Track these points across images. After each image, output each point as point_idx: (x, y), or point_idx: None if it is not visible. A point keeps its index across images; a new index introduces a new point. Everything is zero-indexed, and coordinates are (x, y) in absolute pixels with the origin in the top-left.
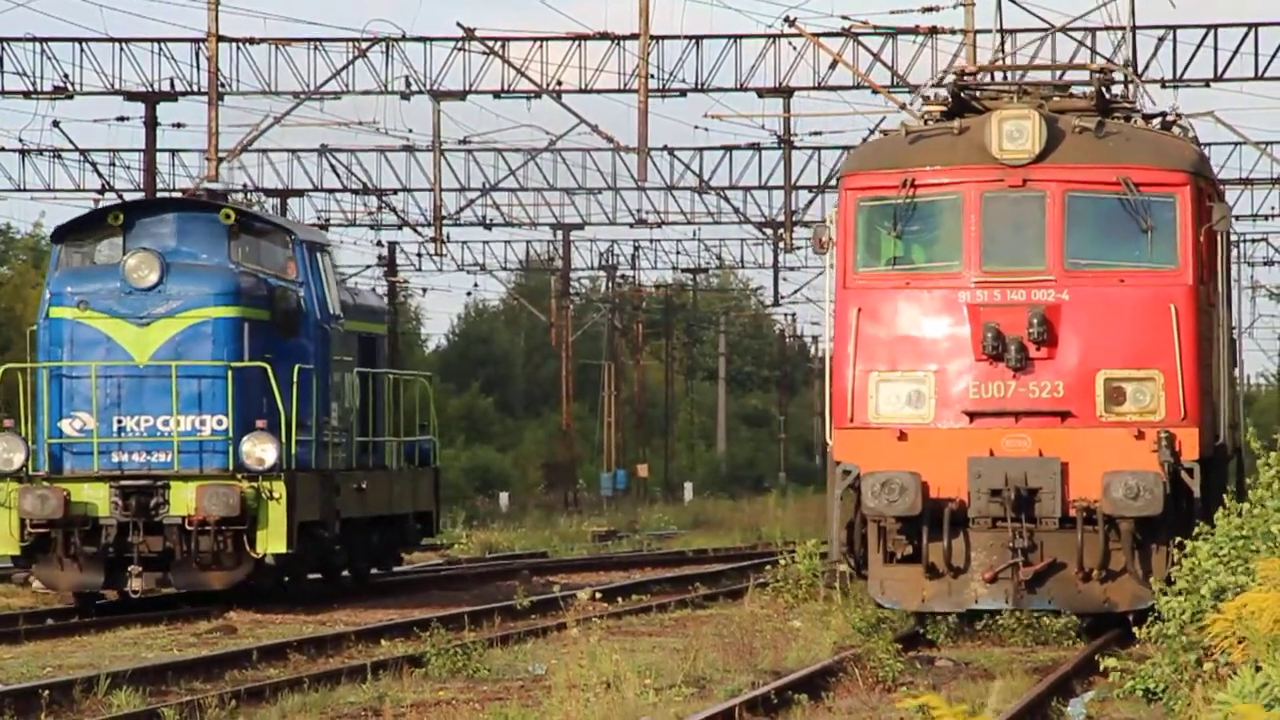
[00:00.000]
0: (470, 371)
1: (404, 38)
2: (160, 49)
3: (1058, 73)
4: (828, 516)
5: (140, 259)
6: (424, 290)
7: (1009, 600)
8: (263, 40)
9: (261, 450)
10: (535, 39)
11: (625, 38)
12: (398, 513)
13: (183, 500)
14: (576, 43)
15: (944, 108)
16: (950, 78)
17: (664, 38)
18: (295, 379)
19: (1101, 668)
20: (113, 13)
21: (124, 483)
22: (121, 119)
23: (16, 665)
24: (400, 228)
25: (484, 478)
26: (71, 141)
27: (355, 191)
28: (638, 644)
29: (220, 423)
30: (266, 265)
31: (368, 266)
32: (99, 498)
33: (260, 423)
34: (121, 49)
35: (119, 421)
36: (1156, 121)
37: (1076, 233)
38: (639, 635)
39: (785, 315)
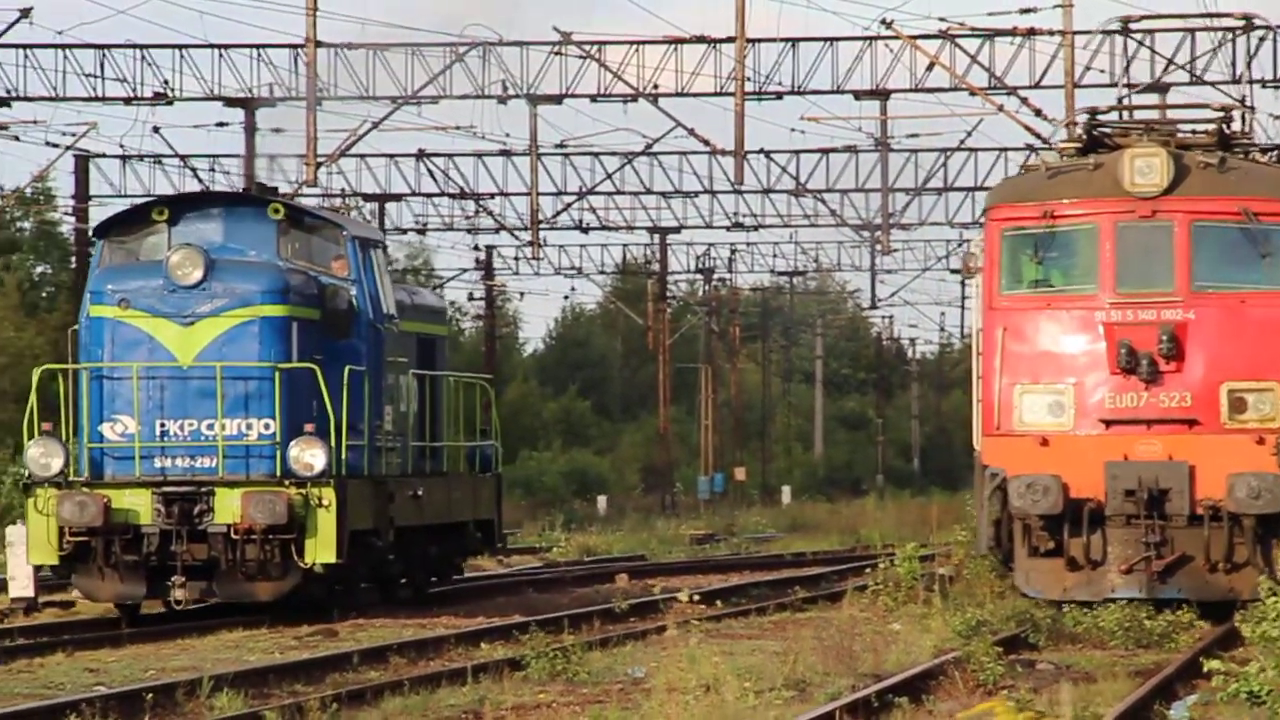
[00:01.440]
0: (567, 375)
1: (501, 42)
2: (259, 55)
3: (1179, 111)
4: (977, 515)
5: (184, 255)
6: (521, 294)
7: (1142, 590)
8: (361, 45)
9: (310, 455)
10: (632, 42)
11: (722, 41)
12: (457, 521)
13: (228, 507)
14: (673, 46)
15: (1079, 145)
16: (1084, 118)
17: (760, 40)
18: (346, 381)
19: (1205, 669)
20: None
21: (167, 489)
22: (221, 124)
23: (120, 668)
24: (497, 231)
25: (582, 481)
26: (171, 147)
27: (452, 196)
28: (737, 647)
29: (267, 426)
30: (317, 262)
31: (464, 270)
32: (141, 505)
33: (309, 426)
34: (221, 55)
35: (162, 425)
36: (1273, 154)
37: (1201, 258)
38: (738, 638)
39: (882, 318)
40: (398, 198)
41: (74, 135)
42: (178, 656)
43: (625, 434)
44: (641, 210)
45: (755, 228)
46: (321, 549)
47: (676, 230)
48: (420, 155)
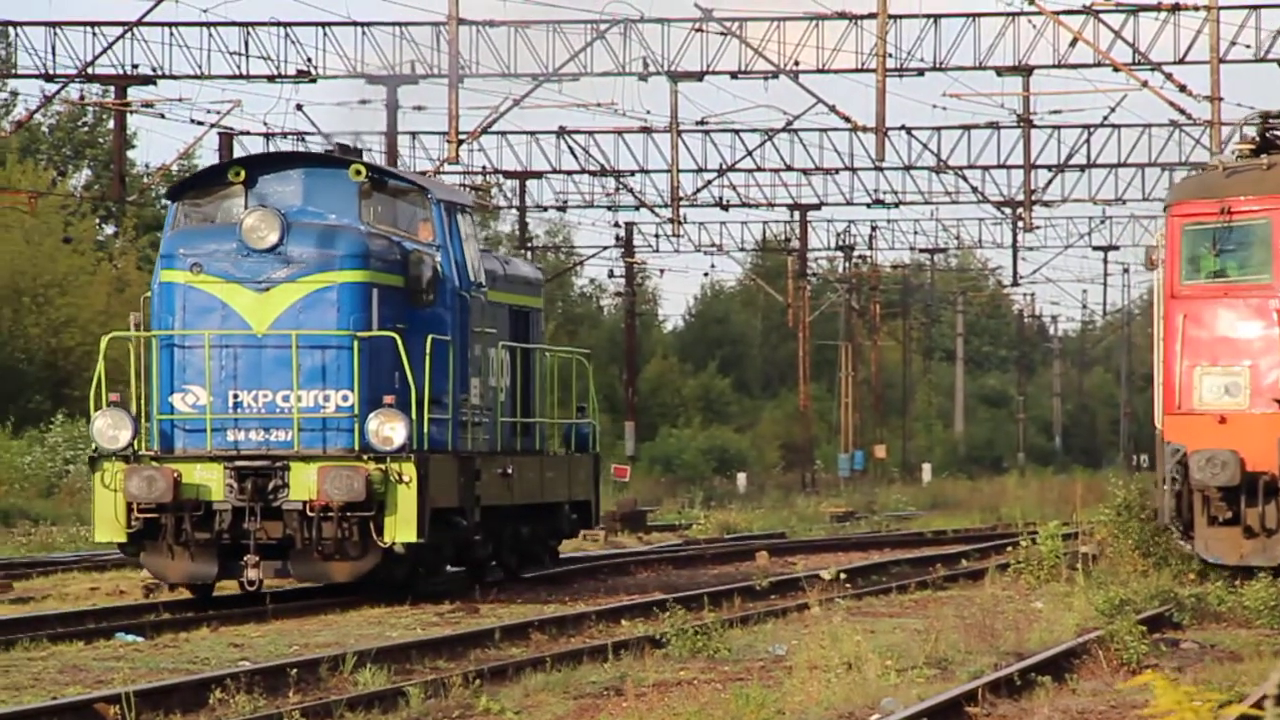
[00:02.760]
0: (707, 352)
1: (642, 19)
2: (401, 32)
3: None
4: (1157, 488)
5: (259, 217)
6: (661, 271)
7: None
8: (502, 23)
9: (389, 429)
10: (773, 19)
11: (863, 17)
12: (551, 502)
13: (304, 483)
14: (814, 23)
15: (1253, 146)
16: (1257, 120)
17: (902, 17)
18: (429, 351)
19: None
20: None
21: (240, 463)
22: (363, 102)
23: (264, 644)
24: (637, 209)
25: (721, 458)
26: (314, 125)
27: (593, 173)
28: (878, 625)
29: (345, 398)
30: (400, 226)
31: (605, 248)
32: (212, 480)
33: (389, 399)
34: (363, 32)
35: (235, 396)
36: None
37: None
38: (879, 616)
39: (1024, 295)
40: (539, 175)
41: (218, 113)
42: (321, 632)
43: (765, 411)
44: (782, 187)
45: (896, 204)
46: (401, 527)
47: (817, 207)
48: (561, 132)
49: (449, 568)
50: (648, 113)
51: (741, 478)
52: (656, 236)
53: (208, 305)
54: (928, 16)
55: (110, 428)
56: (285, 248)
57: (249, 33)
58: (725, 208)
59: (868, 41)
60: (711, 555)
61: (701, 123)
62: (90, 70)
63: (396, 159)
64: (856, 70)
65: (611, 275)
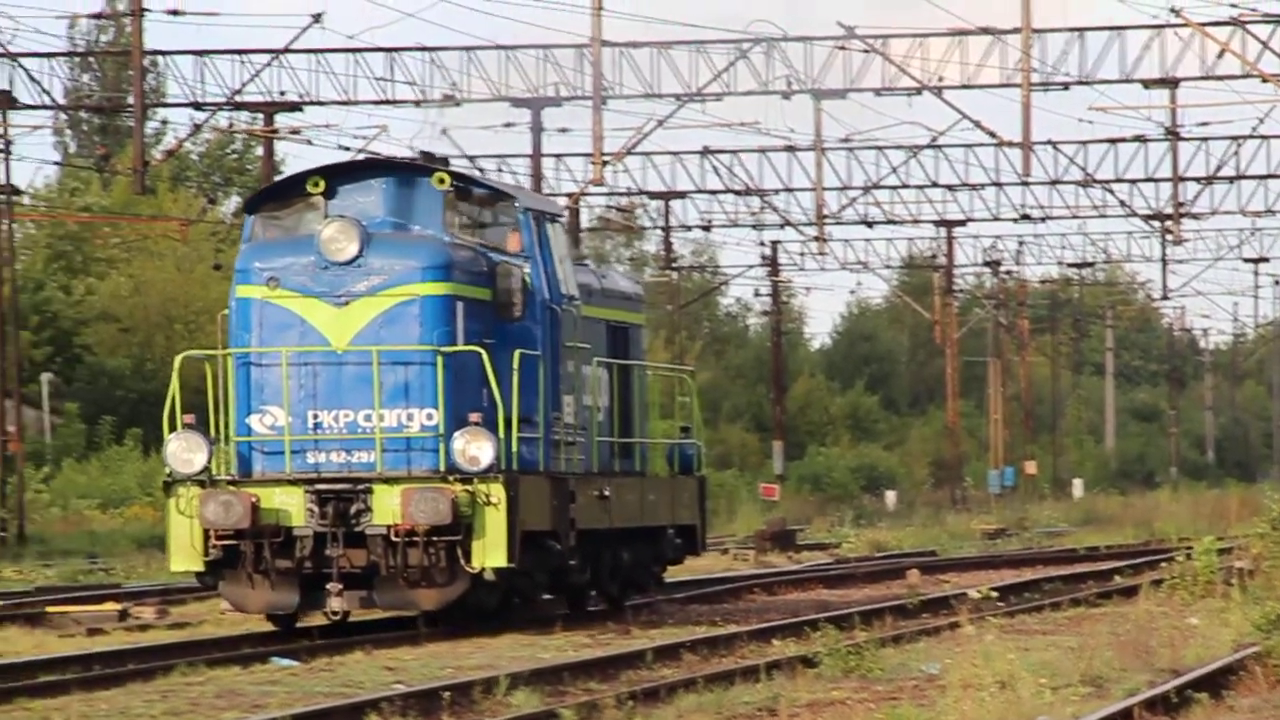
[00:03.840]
0: (854, 370)
1: (785, 38)
2: (545, 55)
3: None
4: None
5: (338, 228)
6: (807, 289)
7: None
8: (645, 44)
9: (476, 448)
10: (916, 35)
11: (1007, 32)
12: (653, 525)
13: (387, 507)
14: (958, 38)
15: None
16: None
17: (1047, 31)
18: (517, 366)
19: None
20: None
21: (320, 487)
22: (508, 125)
23: (418, 666)
24: (782, 227)
25: (870, 476)
26: (459, 148)
27: (737, 192)
28: (1031, 643)
29: (430, 417)
30: (487, 237)
31: (750, 267)
32: (292, 504)
33: (475, 417)
34: (508, 56)
35: (315, 416)
36: None
37: None
38: (1032, 634)
39: (1173, 308)
40: (683, 195)
41: (365, 138)
42: (473, 655)
43: (913, 428)
44: (927, 203)
45: (1043, 219)
46: (490, 552)
47: (963, 223)
48: (705, 152)
49: (545, 595)
50: (791, 131)
51: (891, 495)
52: (802, 255)
53: (285, 321)
54: (1072, 30)
55: (184, 451)
56: (365, 260)
57: (394, 58)
58: (870, 225)
59: (1012, 56)
60: (862, 574)
61: (845, 140)
62: (238, 98)
63: (541, 181)
64: (1001, 85)
65: (757, 294)
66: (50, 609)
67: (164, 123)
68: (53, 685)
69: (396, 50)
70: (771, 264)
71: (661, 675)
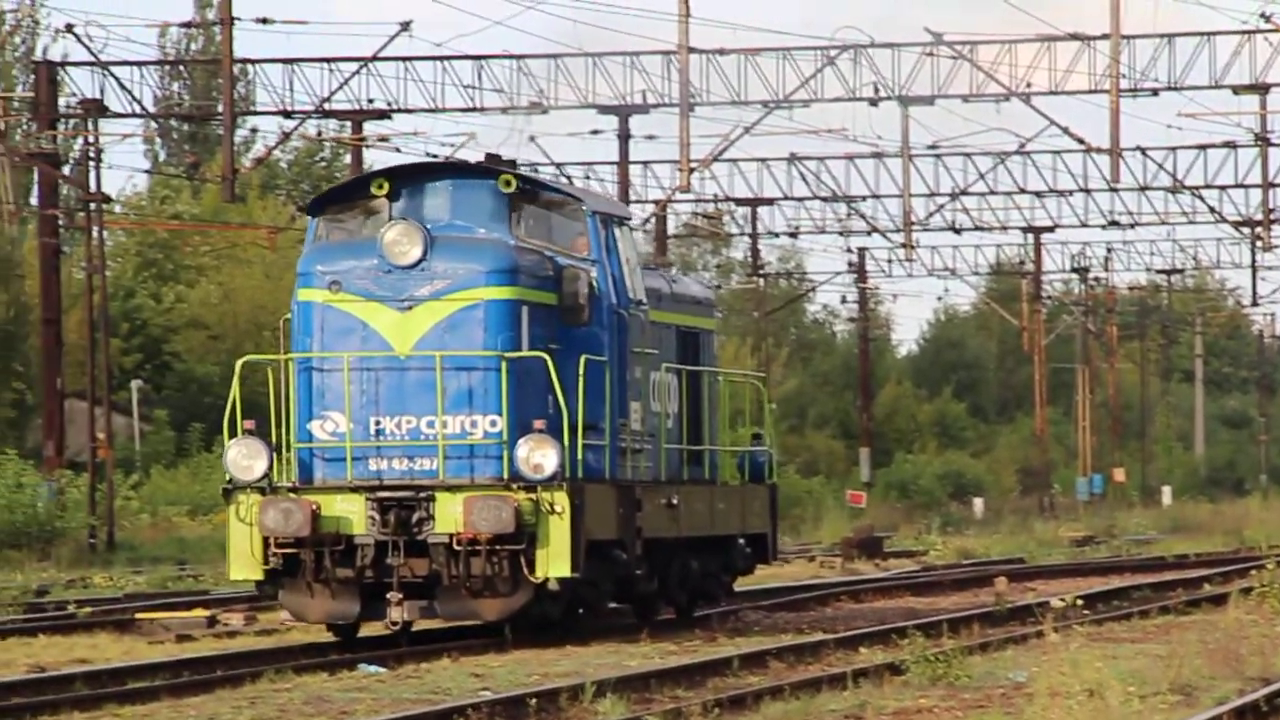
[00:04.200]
0: (942, 376)
1: (872, 44)
2: (632, 62)
3: None
4: None
5: (400, 231)
6: (894, 296)
7: None
8: (733, 51)
9: (540, 456)
10: (1004, 41)
11: (1096, 38)
12: (722, 534)
13: (450, 515)
14: (1046, 44)
15: None
16: None
17: (1136, 37)
18: (582, 372)
19: None
20: (587, 28)
21: (382, 494)
22: (595, 132)
23: (504, 673)
24: (870, 234)
25: (958, 483)
26: (547, 155)
27: (824, 199)
28: (1119, 650)
29: (493, 423)
30: (554, 240)
31: (837, 273)
32: (353, 512)
33: (539, 423)
34: (595, 63)
35: (377, 423)
36: None
37: None
38: (1120, 641)
39: (1264, 315)
40: (770, 202)
41: (453, 145)
42: (559, 661)
43: (1001, 435)
44: (1015, 210)
45: (1131, 225)
46: (554, 561)
47: (1051, 229)
48: (792, 159)
49: (612, 605)
50: (879, 138)
51: (978, 503)
52: (889, 261)
53: (347, 326)
54: (1161, 36)
55: (244, 457)
56: (429, 263)
57: (482, 65)
58: (958, 231)
59: (1100, 62)
60: (949, 581)
61: (933, 147)
62: (327, 106)
63: (628, 188)
64: (1090, 91)
65: (844, 301)
66: (140, 615)
67: (253, 131)
68: (142, 692)
69: (484, 58)
70: (859, 270)
71: (748, 682)
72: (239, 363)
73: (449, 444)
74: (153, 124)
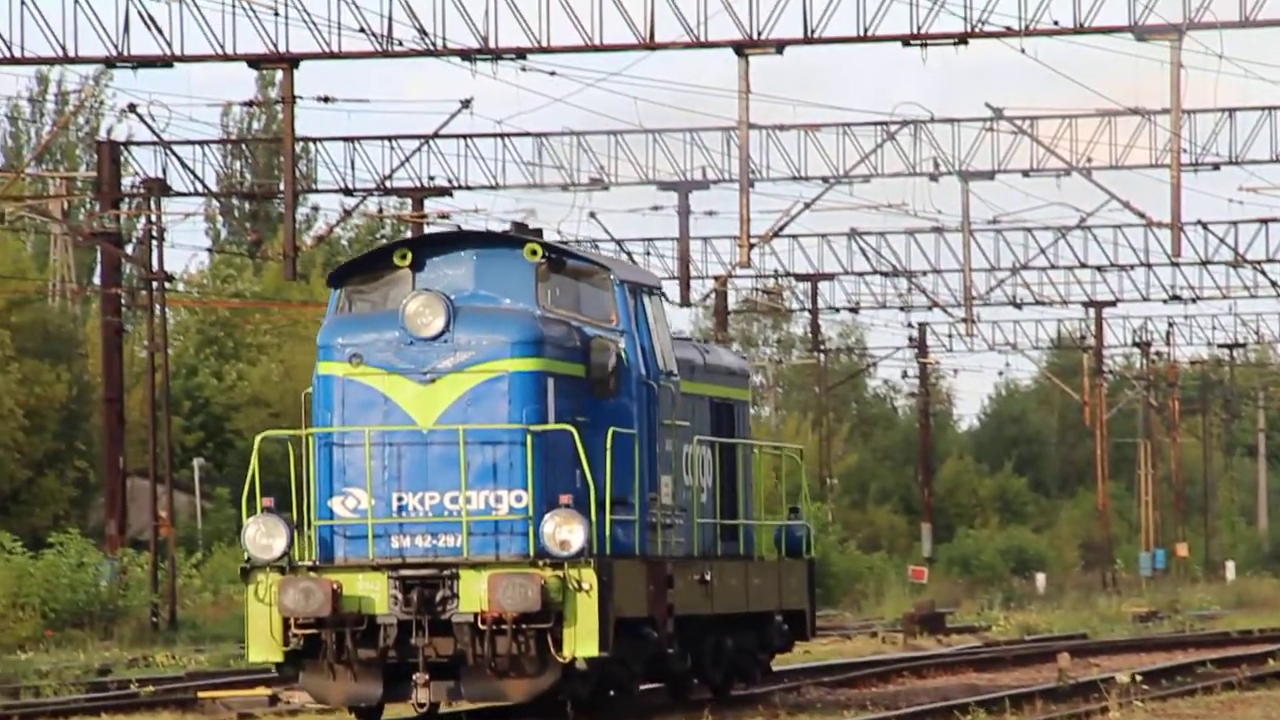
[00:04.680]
0: (1003, 451)
1: (932, 119)
2: (693, 138)
3: None
4: None
5: (423, 302)
6: (955, 371)
7: None
8: (792, 126)
9: (566, 531)
10: (1064, 116)
11: (1156, 112)
12: (759, 611)
13: (474, 593)
14: (1106, 119)
15: None
16: None
17: (1196, 111)
18: (610, 445)
19: None
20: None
21: (405, 572)
22: (655, 208)
23: None
24: (930, 308)
25: (1020, 559)
26: (607, 231)
27: (885, 274)
28: None
29: (519, 499)
30: (581, 310)
31: (898, 348)
32: (375, 591)
33: (565, 498)
34: (655, 139)
35: (399, 499)
36: None
37: None
38: (1184, 718)
39: None
40: (830, 277)
41: (513, 222)
42: None
43: (1063, 510)
44: (1076, 284)
45: (1193, 300)
46: (582, 640)
47: (1112, 304)
48: (852, 234)
49: (644, 685)
50: (939, 212)
51: (1041, 578)
52: (950, 336)
53: (368, 399)
54: (1222, 110)
55: (263, 535)
56: (451, 335)
57: (542, 142)
58: (1019, 306)
59: (1161, 137)
60: (1012, 657)
61: (993, 221)
62: (388, 183)
63: (688, 263)
64: (1151, 166)
65: (905, 376)
66: (202, 694)
67: (315, 208)
68: None
69: (544, 134)
70: (919, 345)
71: None
72: (258, 438)
73: (473, 520)
74: (215, 202)
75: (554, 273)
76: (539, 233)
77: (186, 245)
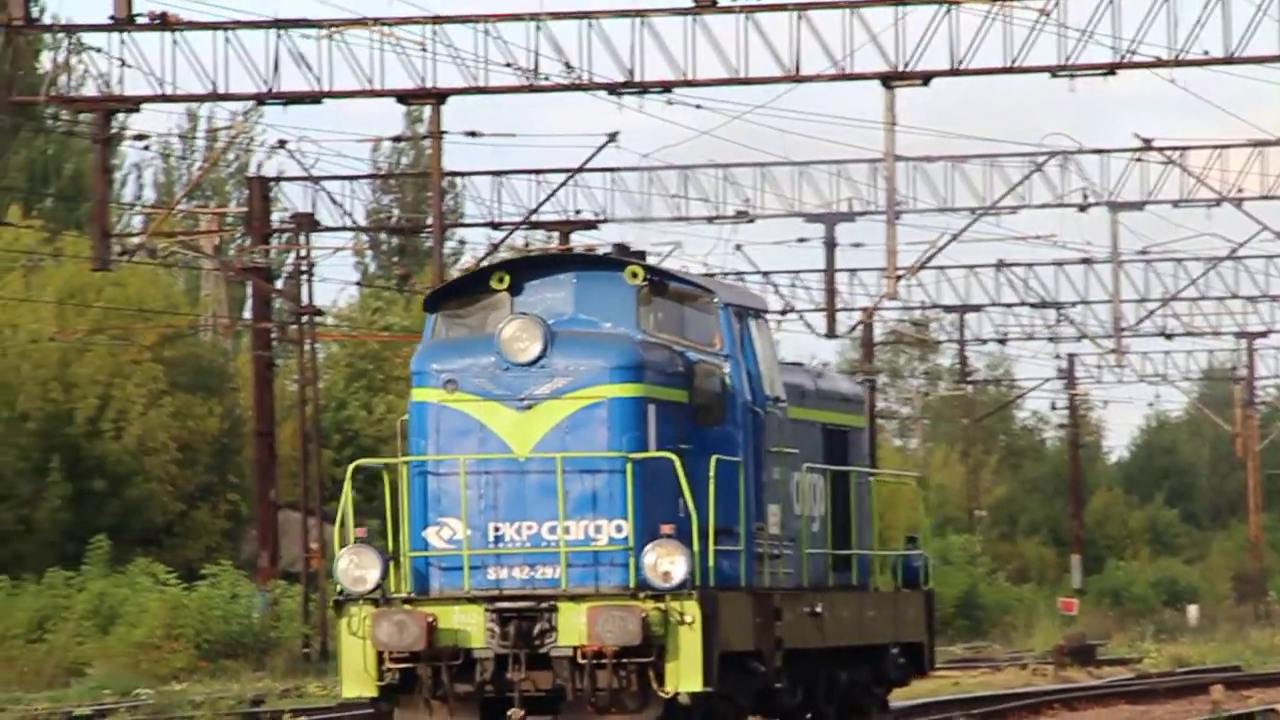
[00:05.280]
0: (1153, 483)
1: (1080, 150)
2: (839, 170)
3: None
4: None
5: (519, 327)
6: (1104, 402)
7: None
8: (939, 158)
9: (668, 563)
10: (1214, 147)
11: None
12: (873, 644)
13: (573, 626)
14: (1258, 149)
15: None
16: None
17: None
18: (713, 474)
19: None
20: (793, 137)
21: (502, 605)
22: (801, 240)
23: None
24: (1079, 340)
25: (1171, 590)
26: (753, 264)
27: (1033, 305)
28: None
29: (619, 529)
30: (684, 334)
31: (1046, 380)
32: (472, 624)
33: (667, 528)
34: (801, 172)
35: (496, 530)
36: None
37: None
38: None
39: None
40: (977, 308)
41: (659, 255)
42: None
43: (1215, 542)
44: (1227, 315)
45: None
46: (685, 675)
47: (1264, 335)
48: (1000, 265)
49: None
50: (1088, 244)
51: (1193, 610)
52: (1099, 368)
53: (464, 427)
54: None
55: (355, 567)
56: (549, 360)
57: (688, 175)
58: (1169, 337)
59: None
60: (1164, 689)
61: (1143, 252)
62: (535, 217)
63: (834, 295)
64: None
65: (1054, 408)
66: None
67: (462, 243)
68: None
69: (690, 168)
70: (1068, 377)
71: None
72: (350, 467)
73: (571, 551)
74: (363, 237)
75: (656, 296)
76: (642, 255)
77: (335, 279)
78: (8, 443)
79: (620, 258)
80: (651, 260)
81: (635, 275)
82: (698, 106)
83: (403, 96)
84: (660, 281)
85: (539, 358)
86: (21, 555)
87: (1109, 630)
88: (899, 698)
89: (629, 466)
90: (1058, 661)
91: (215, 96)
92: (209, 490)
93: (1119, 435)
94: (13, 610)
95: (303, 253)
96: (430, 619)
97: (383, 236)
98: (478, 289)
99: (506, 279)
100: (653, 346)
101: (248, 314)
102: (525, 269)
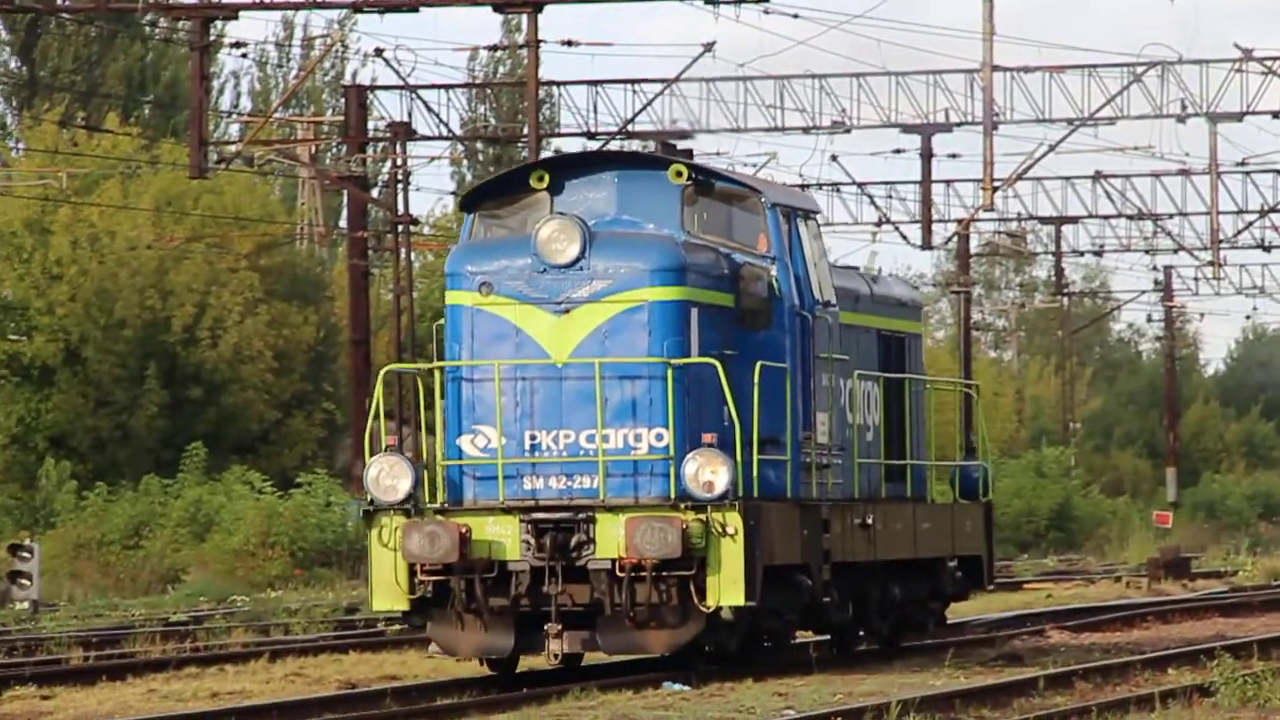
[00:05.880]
0: (1250, 396)
1: (1180, 60)
2: (936, 81)
3: None
4: None
5: (556, 227)
6: (1201, 315)
7: None
8: (1037, 68)
9: (710, 472)
10: None
11: None
12: (928, 557)
13: (612, 538)
14: None
15: None
16: None
17: None
18: (758, 380)
19: None
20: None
21: (537, 516)
22: (897, 151)
23: (809, 693)
24: (1176, 252)
25: (1266, 504)
26: (849, 175)
27: (1130, 217)
28: None
29: (659, 437)
30: (730, 236)
31: (1142, 292)
32: (506, 535)
33: (709, 437)
34: (898, 82)
35: (532, 437)
36: None
37: None
38: None
39: None
40: (1074, 220)
41: (754, 166)
42: (864, 681)
43: None
44: None
45: None
46: (727, 589)
47: None
48: (1097, 177)
49: (804, 636)
50: (1186, 155)
51: None
52: (1196, 280)
53: (499, 331)
54: None
55: (386, 476)
56: (588, 262)
57: (784, 85)
58: (1267, 249)
59: None
60: (1259, 603)
61: (1242, 164)
62: (630, 127)
63: (930, 207)
64: None
65: (1150, 320)
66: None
67: (557, 152)
68: (450, 708)
69: (787, 78)
70: (1165, 289)
71: (1055, 703)
72: (382, 372)
73: (610, 460)
74: (459, 146)
75: (701, 195)
76: (689, 154)
77: (431, 189)
78: (105, 350)
79: (664, 155)
80: (747, 170)
81: (679, 174)
82: (795, 16)
83: (499, 5)
84: (705, 181)
85: (577, 259)
86: (118, 462)
87: (1204, 543)
88: (982, 610)
89: (670, 372)
90: (1152, 575)
91: (312, 4)
92: (304, 399)
93: (1215, 348)
94: (110, 517)
95: (399, 162)
96: (463, 530)
97: (479, 146)
98: (517, 188)
99: (546, 178)
100: (696, 248)
101: (344, 223)
102: (566, 168)
